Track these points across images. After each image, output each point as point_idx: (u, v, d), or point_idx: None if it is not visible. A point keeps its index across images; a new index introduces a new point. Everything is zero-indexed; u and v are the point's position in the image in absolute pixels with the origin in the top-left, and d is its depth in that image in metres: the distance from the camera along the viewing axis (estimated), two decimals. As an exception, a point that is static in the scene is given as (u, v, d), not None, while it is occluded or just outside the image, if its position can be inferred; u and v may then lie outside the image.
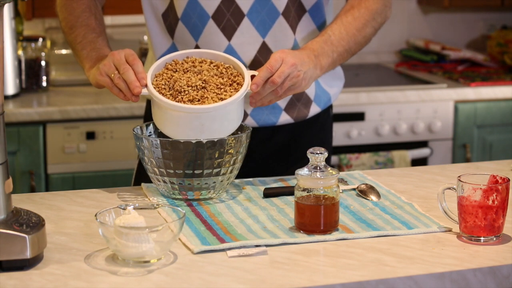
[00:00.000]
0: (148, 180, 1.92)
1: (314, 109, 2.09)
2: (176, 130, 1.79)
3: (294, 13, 2.00)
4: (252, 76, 1.83)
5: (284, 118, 2.04)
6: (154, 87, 1.81)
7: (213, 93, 1.80)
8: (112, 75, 1.81)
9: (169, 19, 2.01)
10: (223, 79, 1.83)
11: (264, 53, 1.98)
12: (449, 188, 1.62)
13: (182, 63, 1.86)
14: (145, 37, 3.48)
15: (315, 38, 1.95)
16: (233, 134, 1.83)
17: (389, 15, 2.05)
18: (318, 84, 2.09)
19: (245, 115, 2.01)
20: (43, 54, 3.34)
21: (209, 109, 1.76)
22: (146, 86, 1.80)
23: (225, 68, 1.85)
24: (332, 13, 2.11)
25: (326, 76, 2.07)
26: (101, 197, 1.84)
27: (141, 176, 2.06)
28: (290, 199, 1.80)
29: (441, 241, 1.59)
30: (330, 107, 2.17)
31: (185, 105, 1.77)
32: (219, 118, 1.78)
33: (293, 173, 2.00)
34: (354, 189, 1.89)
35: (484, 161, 2.30)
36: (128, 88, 1.80)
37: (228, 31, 1.97)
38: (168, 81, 1.82)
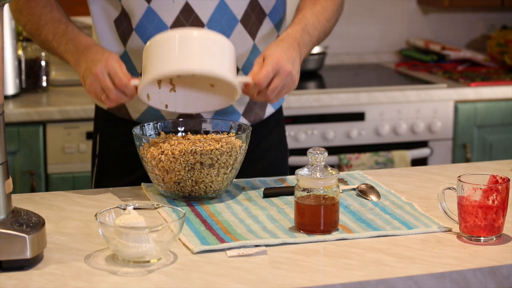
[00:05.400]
0: (109, 183, 1.95)
1: (269, 110, 2.08)
2: None
3: (254, 19, 1.96)
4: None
5: (242, 122, 2.01)
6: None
7: None
8: (102, 98, 1.78)
9: (123, 27, 1.94)
10: None
11: None
12: (449, 188, 1.62)
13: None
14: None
15: (293, 26, 1.92)
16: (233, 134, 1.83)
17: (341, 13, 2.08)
18: None
19: None
20: (43, 54, 3.34)
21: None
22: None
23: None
24: (286, 8, 2.08)
25: None
26: (101, 197, 1.84)
27: (100, 179, 2.07)
28: (290, 199, 1.79)
29: (441, 241, 1.59)
30: (280, 107, 2.16)
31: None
32: None
33: (252, 175, 1.99)
34: (354, 189, 1.89)
35: (484, 161, 2.30)
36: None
37: None
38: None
